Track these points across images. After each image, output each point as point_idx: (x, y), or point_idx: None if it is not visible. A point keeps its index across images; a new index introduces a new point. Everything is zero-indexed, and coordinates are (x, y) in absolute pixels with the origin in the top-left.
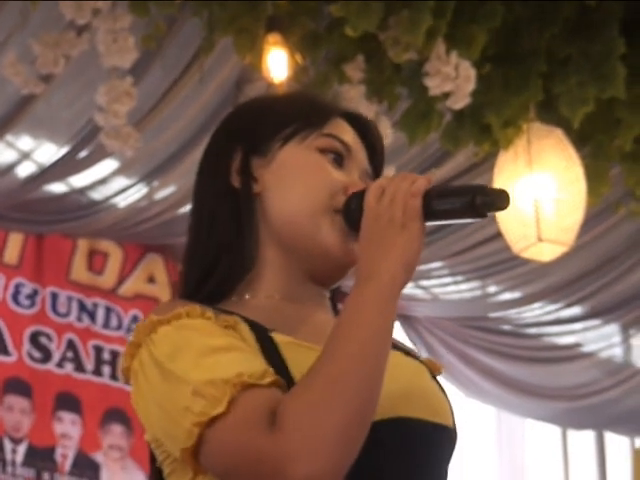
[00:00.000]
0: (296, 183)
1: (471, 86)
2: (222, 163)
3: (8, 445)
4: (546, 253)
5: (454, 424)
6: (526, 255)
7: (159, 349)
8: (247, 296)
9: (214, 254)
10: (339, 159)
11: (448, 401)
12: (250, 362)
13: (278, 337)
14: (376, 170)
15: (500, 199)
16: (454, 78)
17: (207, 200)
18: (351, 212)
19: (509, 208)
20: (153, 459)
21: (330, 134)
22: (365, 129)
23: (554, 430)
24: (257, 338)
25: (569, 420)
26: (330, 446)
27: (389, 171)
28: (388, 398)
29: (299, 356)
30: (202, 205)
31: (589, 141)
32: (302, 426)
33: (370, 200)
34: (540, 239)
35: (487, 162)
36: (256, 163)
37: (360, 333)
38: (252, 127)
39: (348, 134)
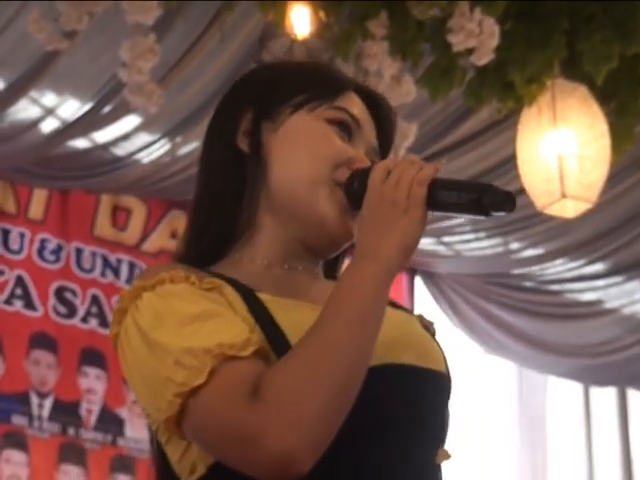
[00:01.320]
0: (300, 150)
1: (495, 42)
2: (231, 124)
3: (35, 399)
4: (570, 209)
5: (447, 370)
6: (550, 211)
7: (142, 317)
8: (239, 259)
9: (212, 212)
10: (347, 132)
11: (440, 349)
12: (232, 330)
13: (264, 296)
14: (383, 147)
15: (507, 201)
16: (478, 34)
17: (213, 159)
18: (353, 189)
19: (532, 164)
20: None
21: (341, 107)
22: (377, 106)
23: (576, 387)
24: (243, 298)
25: (591, 377)
26: (311, 421)
27: (411, 128)
28: (377, 347)
29: (287, 311)
30: (208, 163)
31: (613, 98)
32: (285, 398)
33: (375, 180)
34: (564, 195)
35: (510, 119)
36: (264, 127)
37: (352, 313)
38: (264, 91)
39: (359, 109)
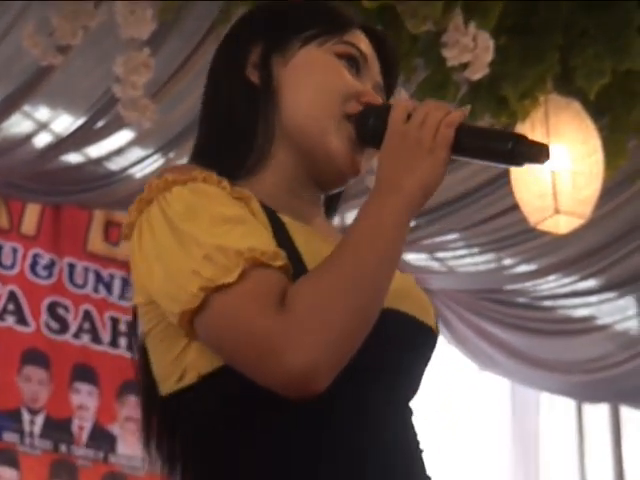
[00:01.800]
0: (309, 83)
1: (490, 57)
2: (241, 55)
3: (26, 416)
4: (563, 225)
5: (437, 328)
6: (543, 227)
7: (172, 207)
8: (255, 182)
9: (228, 142)
10: (355, 67)
11: (432, 305)
12: (263, 240)
13: (285, 218)
14: (388, 86)
15: (541, 153)
16: (472, 49)
17: (223, 89)
18: (368, 125)
19: (526, 180)
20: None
21: (349, 42)
22: (381, 44)
23: (568, 403)
24: (267, 215)
25: (584, 393)
26: (334, 337)
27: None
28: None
29: (304, 236)
30: (218, 93)
31: (606, 113)
32: (310, 313)
33: (397, 118)
34: (557, 211)
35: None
36: (275, 60)
37: (377, 241)
38: (273, 25)
39: (366, 45)
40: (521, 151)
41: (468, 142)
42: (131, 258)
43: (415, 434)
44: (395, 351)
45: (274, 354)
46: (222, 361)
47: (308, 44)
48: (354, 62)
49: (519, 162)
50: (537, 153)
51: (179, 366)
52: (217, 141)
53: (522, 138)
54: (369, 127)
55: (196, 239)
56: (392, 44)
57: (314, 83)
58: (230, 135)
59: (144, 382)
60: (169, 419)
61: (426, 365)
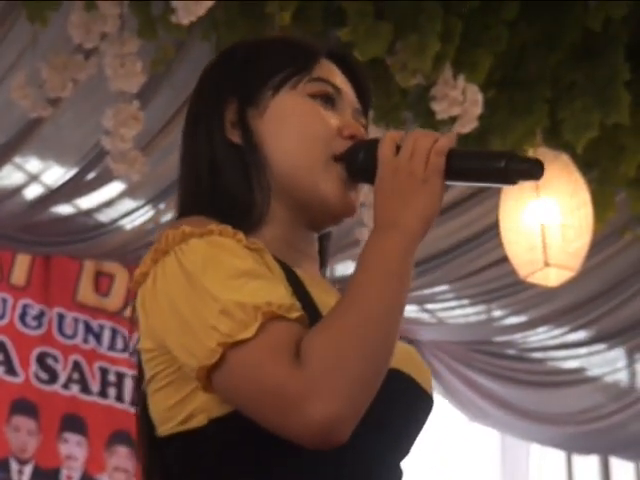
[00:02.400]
0: (291, 133)
1: (479, 110)
2: (216, 115)
3: (15, 466)
4: (553, 278)
5: (432, 393)
6: (533, 280)
7: (189, 260)
8: (256, 238)
9: (223, 206)
10: (330, 101)
11: (429, 371)
12: (278, 293)
13: (297, 270)
14: (364, 107)
15: (535, 168)
16: (461, 102)
17: (204, 151)
18: (358, 162)
19: (515, 233)
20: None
21: (320, 78)
22: (350, 67)
23: (558, 455)
24: (283, 270)
25: (574, 445)
26: (352, 386)
27: None
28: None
29: (317, 289)
30: (198, 156)
31: (594, 166)
32: (326, 364)
33: (386, 152)
34: (547, 264)
35: (492, 188)
36: (250, 114)
37: (384, 280)
38: (241, 78)
39: (336, 75)
40: (515, 168)
41: (460, 166)
42: (141, 306)
43: None
44: (397, 412)
45: (294, 408)
46: (231, 407)
47: (279, 91)
48: (328, 98)
49: (514, 180)
50: (531, 169)
51: (185, 408)
52: (210, 205)
53: (514, 155)
54: (359, 163)
55: (213, 293)
56: (360, 65)
57: (293, 133)
58: (224, 201)
59: (143, 425)
60: (168, 460)
61: (420, 431)
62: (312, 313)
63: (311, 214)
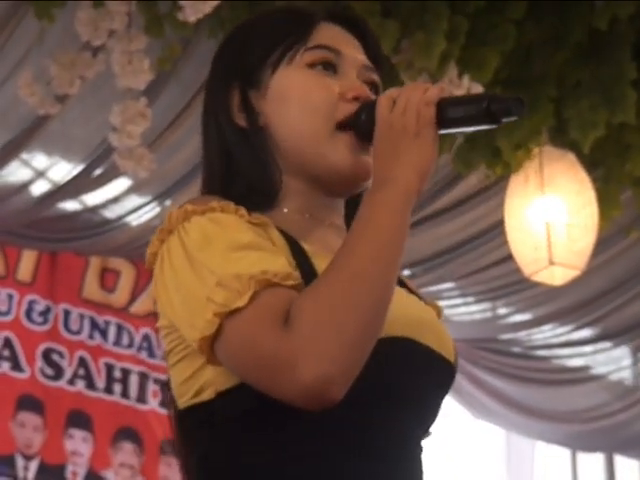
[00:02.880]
0: (292, 108)
1: None
2: (222, 102)
3: (20, 462)
4: (558, 277)
5: (456, 362)
6: (537, 279)
7: (190, 237)
8: (274, 213)
9: (238, 188)
10: (331, 67)
11: (452, 340)
12: (276, 262)
13: (307, 246)
14: (375, 58)
15: (516, 105)
16: None
17: (215, 138)
18: (361, 122)
19: (520, 231)
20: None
21: (316, 46)
22: (351, 22)
23: (563, 452)
24: (287, 242)
25: (579, 442)
26: (342, 348)
27: None
28: (402, 318)
29: (327, 263)
30: (211, 142)
31: (600, 165)
32: (315, 326)
33: (382, 110)
34: (552, 262)
35: (498, 184)
36: (254, 96)
37: (375, 236)
38: (240, 61)
39: (335, 37)
40: (497, 107)
41: (449, 114)
42: (154, 284)
43: (421, 472)
44: (411, 382)
45: (285, 371)
46: (238, 379)
47: (278, 67)
48: (328, 63)
49: (498, 119)
50: (512, 105)
51: (196, 383)
52: (227, 186)
53: (495, 95)
54: (362, 125)
55: (210, 267)
56: (362, 19)
57: (294, 107)
58: (238, 183)
59: (171, 398)
60: (185, 432)
61: (442, 399)
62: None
63: (326, 184)
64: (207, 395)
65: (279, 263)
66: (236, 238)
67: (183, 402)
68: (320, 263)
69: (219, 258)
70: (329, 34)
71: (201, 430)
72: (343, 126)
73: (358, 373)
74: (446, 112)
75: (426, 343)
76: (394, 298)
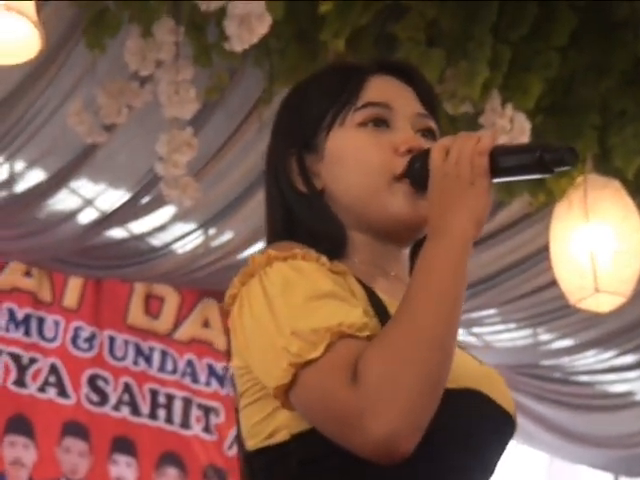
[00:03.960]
0: (349, 168)
1: (526, 139)
2: (282, 167)
3: None
4: (604, 304)
5: (516, 416)
6: (583, 306)
7: (271, 282)
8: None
9: (309, 244)
10: (382, 122)
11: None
12: (353, 313)
13: (381, 295)
14: (430, 104)
15: (569, 155)
16: (509, 131)
17: (279, 200)
18: (415, 171)
19: (565, 258)
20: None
21: (365, 104)
22: (403, 71)
23: (606, 477)
24: (365, 291)
25: (622, 467)
26: (409, 403)
27: None
28: (469, 371)
29: None
30: (275, 203)
31: None
32: (380, 380)
33: (436, 159)
34: (597, 290)
35: (541, 211)
36: (311, 160)
37: (435, 287)
38: (296, 128)
39: (386, 90)
40: (550, 158)
41: (502, 164)
42: (232, 326)
43: None
44: (479, 433)
45: (355, 425)
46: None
47: (331, 131)
48: (379, 120)
49: (551, 169)
50: (566, 156)
51: (270, 425)
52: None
53: (548, 145)
54: (417, 174)
55: (288, 315)
56: (413, 67)
57: (350, 169)
58: (306, 238)
59: (239, 440)
60: (255, 473)
61: (504, 451)
62: None
63: (389, 234)
64: (281, 437)
65: (356, 314)
66: (316, 287)
67: (255, 443)
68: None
69: (297, 306)
70: (380, 88)
71: (272, 472)
72: (399, 179)
73: (426, 426)
74: (499, 161)
75: (492, 396)
76: (456, 351)
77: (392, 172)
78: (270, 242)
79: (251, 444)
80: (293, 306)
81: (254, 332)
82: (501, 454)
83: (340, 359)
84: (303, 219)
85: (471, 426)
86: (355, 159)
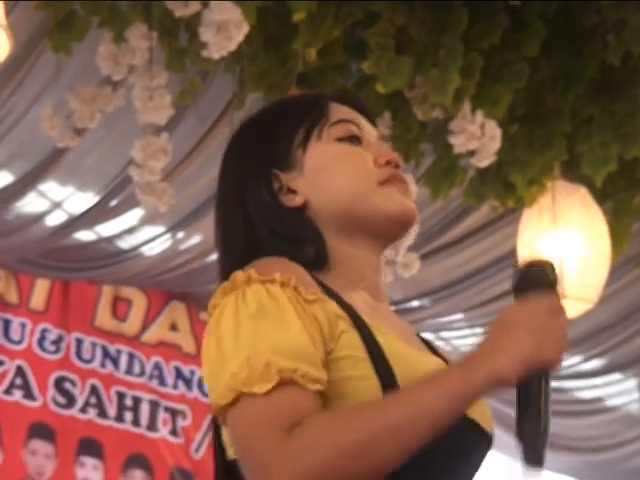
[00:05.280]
0: (334, 175)
1: (496, 145)
2: (260, 187)
3: None
4: (570, 310)
5: (493, 434)
6: None
7: (244, 304)
8: (332, 277)
9: (291, 255)
10: (356, 139)
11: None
12: (313, 359)
13: (366, 319)
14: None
15: (531, 461)
16: (479, 137)
17: (280, 225)
18: (519, 278)
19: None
20: None
21: (339, 120)
22: (353, 102)
23: None
24: (348, 315)
25: (588, 473)
26: (327, 472)
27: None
28: None
29: (386, 332)
30: (253, 228)
31: (610, 198)
32: (314, 443)
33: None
34: (564, 296)
35: (507, 216)
36: (289, 178)
37: (418, 411)
38: (268, 147)
39: (349, 112)
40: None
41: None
42: (207, 334)
43: None
44: (461, 456)
45: (263, 475)
46: None
47: (307, 146)
48: (353, 137)
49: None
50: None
51: None
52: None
53: (526, 447)
54: (518, 281)
55: (249, 342)
56: (358, 98)
57: (337, 173)
58: (290, 251)
59: (217, 450)
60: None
61: (478, 470)
62: (380, 360)
63: (379, 233)
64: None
65: (315, 361)
66: (284, 320)
67: (231, 453)
68: (379, 336)
69: (261, 334)
70: (344, 110)
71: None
72: (383, 183)
73: None
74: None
75: (474, 418)
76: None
77: (376, 179)
78: (229, 263)
79: (232, 452)
80: (257, 333)
81: (215, 346)
82: (476, 472)
83: (281, 405)
84: (286, 234)
85: (453, 451)
86: (340, 166)
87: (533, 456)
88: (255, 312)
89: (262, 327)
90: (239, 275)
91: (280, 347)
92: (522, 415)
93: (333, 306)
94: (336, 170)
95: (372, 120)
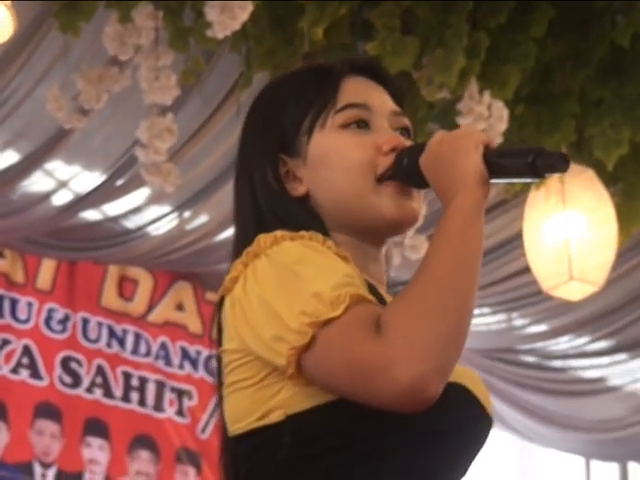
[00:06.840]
0: (333, 170)
1: (504, 126)
2: (263, 173)
3: (38, 469)
4: (576, 292)
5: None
6: (556, 293)
7: (282, 256)
8: None
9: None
10: (363, 123)
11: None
12: (362, 288)
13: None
14: (401, 101)
15: (560, 162)
16: (487, 117)
17: (288, 212)
18: (403, 168)
19: (539, 245)
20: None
21: (345, 106)
22: (374, 71)
23: (577, 460)
24: (364, 279)
25: (593, 451)
26: (432, 345)
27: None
28: (460, 372)
29: None
30: (247, 206)
31: (620, 180)
32: (404, 328)
33: (432, 145)
34: (572, 277)
35: (517, 198)
36: (293, 165)
37: (452, 240)
38: (275, 133)
39: (362, 90)
40: (542, 163)
41: (494, 163)
42: (231, 308)
43: None
44: (466, 428)
45: (381, 375)
46: (310, 403)
47: (312, 134)
48: (360, 121)
49: (541, 174)
50: (557, 162)
51: (264, 406)
52: None
53: (542, 150)
54: (405, 170)
55: (305, 281)
56: (381, 65)
57: (336, 169)
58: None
59: (222, 428)
60: (237, 458)
61: (479, 450)
62: None
63: (373, 233)
64: (275, 417)
65: (365, 290)
66: (327, 261)
67: (241, 426)
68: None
69: (313, 274)
70: (356, 89)
71: (256, 456)
72: (384, 178)
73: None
74: (491, 162)
75: (476, 394)
76: None
77: (376, 171)
78: (241, 240)
79: (236, 428)
80: (310, 273)
81: (263, 305)
82: (477, 452)
83: (359, 318)
84: (290, 221)
85: (459, 423)
86: (340, 160)
87: (553, 152)
88: (298, 259)
89: (312, 268)
90: (262, 239)
91: (336, 278)
92: (514, 157)
93: (355, 268)
94: (334, 164)
95: (394, 85)
